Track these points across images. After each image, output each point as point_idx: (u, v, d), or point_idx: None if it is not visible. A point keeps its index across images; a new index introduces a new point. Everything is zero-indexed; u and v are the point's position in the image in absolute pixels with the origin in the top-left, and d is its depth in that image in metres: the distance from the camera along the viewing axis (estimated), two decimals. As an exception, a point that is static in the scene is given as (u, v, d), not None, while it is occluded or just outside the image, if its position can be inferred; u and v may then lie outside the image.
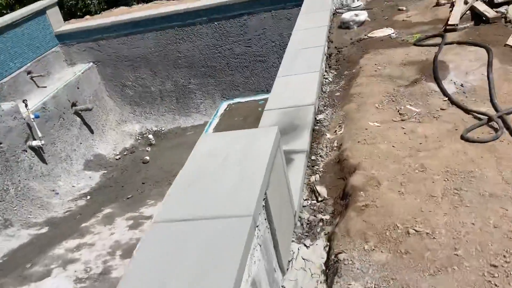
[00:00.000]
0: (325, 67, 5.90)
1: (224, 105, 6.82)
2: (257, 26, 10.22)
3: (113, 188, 9.35)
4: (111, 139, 11.20)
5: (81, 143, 10.41)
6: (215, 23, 10.35)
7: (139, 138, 11.37)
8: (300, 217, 3.16)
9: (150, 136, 10.95)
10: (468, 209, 2.77)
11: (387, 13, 7.51)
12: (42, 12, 10.64)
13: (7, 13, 11.58)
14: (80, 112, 10.44)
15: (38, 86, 10.23)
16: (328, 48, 6.60)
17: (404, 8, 7.45)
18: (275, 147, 2.69)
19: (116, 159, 10.57)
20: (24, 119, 8.69)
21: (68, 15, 13.66)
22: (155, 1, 12.75)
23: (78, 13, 13.54)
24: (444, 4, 6.89)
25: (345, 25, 7.32)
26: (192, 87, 11.20)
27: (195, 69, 10.96)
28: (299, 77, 5.12)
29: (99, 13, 13.39)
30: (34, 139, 8.81)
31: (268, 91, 6.01)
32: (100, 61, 11.26)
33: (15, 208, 8.02)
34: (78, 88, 10.60)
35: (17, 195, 8.10)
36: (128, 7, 13.08)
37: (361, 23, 7.24)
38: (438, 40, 5.69)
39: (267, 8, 9.96)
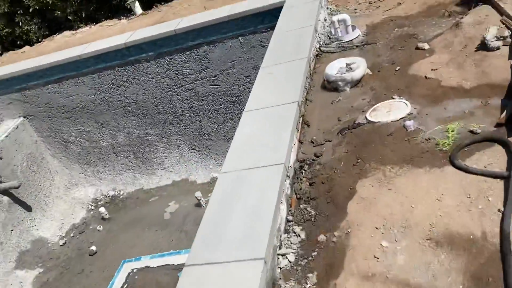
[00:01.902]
0: (284, 217, 3.23)
1: (122, 274, 4.25)
2: (222, 59, 7.45)
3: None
4: (57, 212, 8.77)
5: (11, 231, 8.01)
6: (166, 58, 7.61)
7: (93, 207, 8.90)
8: None
9: (102, 209, 8.45)
10: None
11: (400, 54, 4.68)
12: None
13: None
14: (7, 190, 8.02)
15: None
16: (299, 148, 3.89)
17: (426, 46, 4.59)
18: None
19: (61, 245, 8.15)
20: None
21: (4, 46, 11.11)
22: (102, 24, 10.05)
23: (18, 42, 10.97)
24: (495, 49, 3.99)
25: (331, 85, 4.57)
26: (151, 138, 8.59)
27: (150, 116, 8.32)
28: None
29: (40, 41, 10.79)
30: None
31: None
32: (32, 115, 8.73)
33: None
34: (1, 158, 8.14)
35: None
36: (72, 31, 10.43)
37: (356, 82, 4.47)
38: (494, 150, 2.96)
39: (232, 34, 7.16)
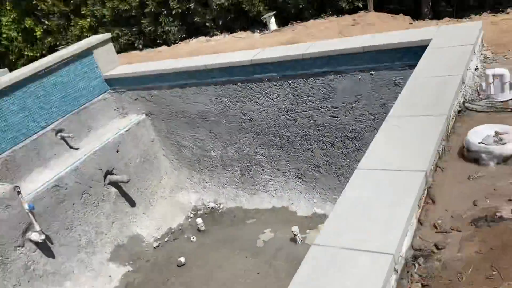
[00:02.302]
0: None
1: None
2: (348, 91, 6.86)
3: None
4: (158, 213, 8.92)
5: (113, 223, 8.29)
6: (289, 81, 7.24)
7: (192, 215, 8.88)
8: None
9: (199, 220, 8.37)
10: None
11: None
12: (87, 53, 8.70)
13: (88, 36, 9.91)
14: (117, 182, 8.33)
15: (71, 147, 8.35)
16: (417, 230, 3.18)
17: None
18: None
19: (154, 247, 8.23)
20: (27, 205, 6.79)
21: (144, 43, 11.73)
22: (236, 34, 10.06)
23: (158, 41, 11.50)
24: None
25: (471, 155, 3.75)
26: (260, 158, 8.30)
27: (263, 136, 8.03)
28: None
29: (177, 43, 11.18)
30: (35, 231, 6.88)
31: None
32: (153, 114, 9.00)
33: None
34: (118, 151, 8.47)
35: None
36: (207, 37, 10.62)
37: (505, 158, 3.60)
38: None
39: (364, 66, 6.53)
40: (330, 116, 7.22)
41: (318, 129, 7.44)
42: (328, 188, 7.78)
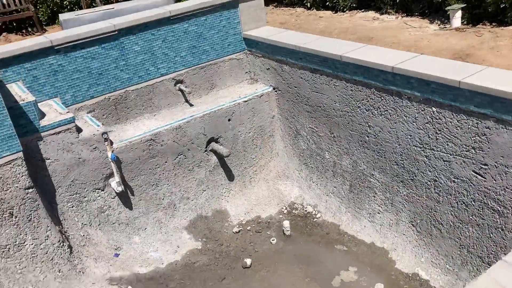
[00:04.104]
0: None
1: None
2: (508, 149, 4.81)
3: None
4: (254, 196, 8.15)
5: (203, 191, 7.82)
6: (433, 108, 5.41)
7: (285, 211, 7.91)
8: None
9: (286, 223, 7.35)
10: None
11: None
12: (232, 4, 7.89)
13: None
14: (216, 152, 7.72)
15: (187, 101, 7.92)
16: None
17: None
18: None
19: (234, 232, 7.58)
20: (113, 151, 6.66)
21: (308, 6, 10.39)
22: (409, 19, 8.13)
23: (327, 3, 10.06)
24: None
25: None
26: (374, 182, 6.75)
27: (384, 160, 6.41)
28: None
29: (345, 11, 9.63)
30: (115, 181, 6.75)
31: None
32: (280, 90, 7.97)
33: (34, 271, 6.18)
34: (229, 120, 7.76)
35: (56, 251, 6.30)
36: (377, 14, 8.88)
37: None
38: None
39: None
40: (474, 172, 5.27)
41: (453, 181, 5.56)
42: (444, 254, 5.97)
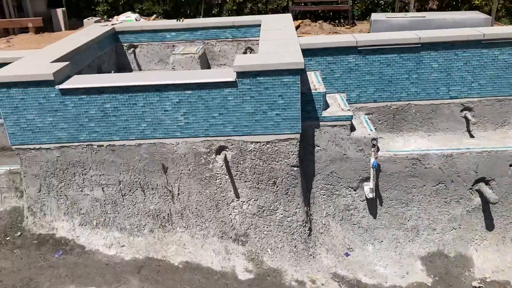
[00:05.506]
0: None
1: None
2: None
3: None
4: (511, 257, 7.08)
5: (453, 229, 7.19)
6: None
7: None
8: None
9: None
10: None
11: None
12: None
13: None
14: (483, 194, 6.92)
15: (468, 131, 7.30)
16: None
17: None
18: None
19: (472, 286, 6.79)
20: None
21: None
22: None
23: None
24: None
25: None
26: None
27: None
28: None
29: None
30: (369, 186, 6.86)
31: None
32: None
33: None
34: (511, 165, 6.79)
35: (298, 228, 6.91)
36: None
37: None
38: None
39: None
40: None
41: None
42: None
